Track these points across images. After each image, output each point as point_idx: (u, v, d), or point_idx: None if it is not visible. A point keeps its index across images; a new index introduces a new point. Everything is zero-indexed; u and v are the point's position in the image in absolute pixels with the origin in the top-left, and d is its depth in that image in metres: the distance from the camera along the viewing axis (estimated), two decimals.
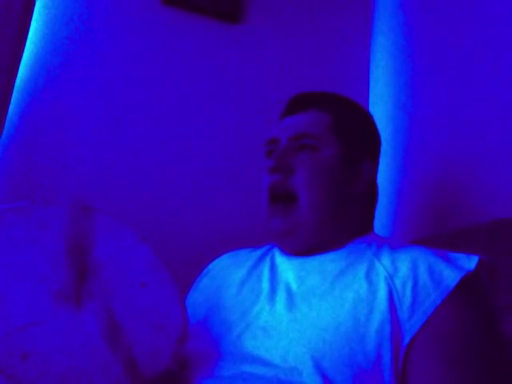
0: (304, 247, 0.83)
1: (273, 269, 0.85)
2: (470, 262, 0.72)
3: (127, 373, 0.56)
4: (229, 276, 0.90)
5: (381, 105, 1.51)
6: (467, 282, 0.70)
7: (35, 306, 0.55)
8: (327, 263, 0.80)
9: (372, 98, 1.57)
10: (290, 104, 0.92)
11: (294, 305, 0.75)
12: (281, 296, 0.77)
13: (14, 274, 0.56)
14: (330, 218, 0.83)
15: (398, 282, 0.71)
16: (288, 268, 0.83)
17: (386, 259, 0.76)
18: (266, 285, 0.82)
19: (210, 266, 0.99)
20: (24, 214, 0.59)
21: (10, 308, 0.53)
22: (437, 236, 1.01)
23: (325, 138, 0.84)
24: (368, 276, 0.74)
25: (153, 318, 0.62)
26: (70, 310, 0.57)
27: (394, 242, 0.84)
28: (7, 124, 1.18)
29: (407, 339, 0.67)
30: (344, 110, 0.89)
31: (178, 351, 0.61)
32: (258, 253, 0.93)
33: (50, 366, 0.51)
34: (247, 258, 0.93)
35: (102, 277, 0.62)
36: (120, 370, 0.56)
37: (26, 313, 0.54)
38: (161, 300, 0.64)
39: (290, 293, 0.77)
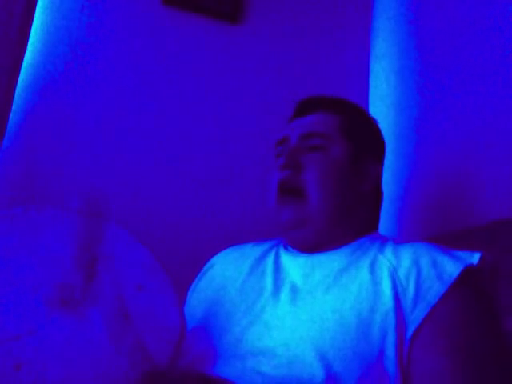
0: (312, 240, 0.84)
1: (277, 266, 0.86)
2: (473, 257, 0.72)
3: (131, 376, 0.55)
4: (232, 271, 0.90)
5: (381, 105, 1.51)
6: (469, 276, 0.70)
7: (30, 314, 0.54)
8: (332, 260, 0.81)
9: (372, 99, 1.57)
10: (299, 107, 0.94)
11: (298, 300, 0.75)
12: (285, 291, 0.78)
13: (7, 282, 0.55)
14: (338, 215, 0.84)
15: (401, 274, 0.71)
16: (293, 266, 0.83)
17: (389, 253, 0.77)
18: (269, 282, 0.82)
19: (213, 261, 0.99)
20: (19, 220, 0.59)
21: (3, 317, 0.52)
22: (438, 237, 1.01)
23: (333, 138, 0.86)
24: (371, 269, 0.75)
25: (150, 322, 0.61)
26: (69, 316, 0.56)
27: (398, 240, 0.85)
28: (9, 126, 1.18)
29: (410, 331, 0.67)
30: (351, 112, 0.92)
31: (175, 355, 0.61)
32: (262, 248, 0.93)
33: (45, 376, 0.50)
34: (250, 253, 0.93)
35: (106, 278, 0.62)
36: (122, 376, 0.55)
37: (20, 321, 0.53)
38: (158, 303, 0.64)
39: (294, 288, 0.78)
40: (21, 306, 0.55)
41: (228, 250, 0.99)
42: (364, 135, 0.91)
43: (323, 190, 0.83)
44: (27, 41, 1.20)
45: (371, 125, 0.95)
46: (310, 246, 0.84)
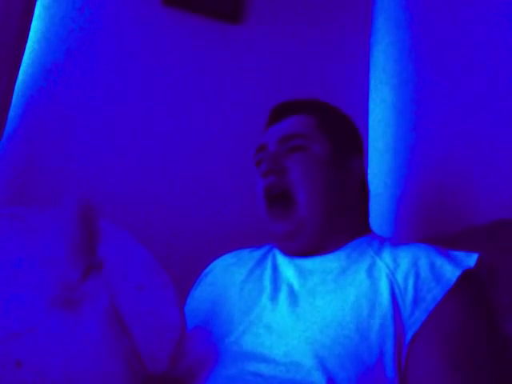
0: (306, 248, 0.84)
1: (274, 269, 0.86)
2: (470, 259, 0.72)
3: (127, 376, 0.56)
4: (230, 276, 0.90)
5: (381, 106, 1.51)
6: (468, 279, 0.70)
7: (30, 313, 0.54)
8: (329, 262, 0.81)
9: (372, 99, 1.57)
10: (273, 113, 0.94)
11: (297, 303, 0.75)
12: (283, 295, 0.78)
13: (8, 281, 0.55)
14: (329, 215, 0.84)
15: (399, 277, 0.71)
16: (290, 268, 0.83)
17: (387, 256, 0.76)
18: (267, 284, 0.82)
19: (211, 266, 1.00)
20: (19, 220, 0.59)
21: (4, 315, 0.53)
22: (437, 237, 1.01)
23: (313, 137, 0.86)
24: (370, 273, 0.74)
25: (150, 321, 0.62)
26: (66, 315, 0.57)
27: (395, 241, 0.85)
28: (8, 125, 1.18)
29: (409, 335, 0.67)
30: (324, 110, 0.92)
31: (175, 354, 0.61)
32: (259, 253, 0.94)
33: (45, 373, 0.51)
34: (248, 258, 0.93)
35: (103, 278, 0.63)
36: (120, 374, 0.55)
37: (21, 319, 0.54)
38: (158, 303, 0.64)
39: (292, 292, 0.78)
40: (21, 305, 0.55)
41: (225, 256, 1.00)
42: (341, 131, 0.91)
43: (310, 188, 0.83)
44: (27, 40, 1.20)
45: (346, 121, 0.95)
46: (305, 252, 0.84)
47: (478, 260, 0.72)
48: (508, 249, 0.81)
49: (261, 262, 0.90)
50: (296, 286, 0.79)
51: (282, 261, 0.86)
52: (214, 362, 0.71)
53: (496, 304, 0.75)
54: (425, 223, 1.24)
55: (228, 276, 0.91)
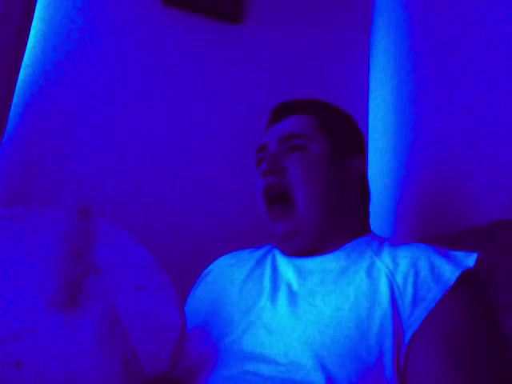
0: (306, 248, 0.84)
1: (274, 269, 0.86)
2: (469, 259, 0.72)
3: (124, 377, 0.56)
4: (230, 276, 0.90)
5: (381, 106, 1.51)
6: (467, 279, 0.70)
7: (30, 313, 0.54)
8: (328, 263, 0.81)
9: (372, 99, 1.57)
10: (273, 113, 0.95)
11: (296, 303, 0.75)
12: (282, 295, 0.78)
13: (7, 282, 0.56)
14: (328, 215, 0.84)
15: (398, 278, 0.71)
16: (289, 268, 0.83)
17: (386, 257, 0.76)
18: (267, 284, 0.82)
19: (211, 267, 1.00)
20: (19, 220, 0.59)
21: (4, 316, 0.53)
22: (436, 237, 1.01)
23: (312, 136, 0.86)
24: (369, 273, 0.74)
25: (150, 321, 0.62)
26: (66, 316, 0.57)
27: (394, 241, 0.85)
28: (9, 125, 1.18)
29: (408, 335, 0.67)
30: (325, 111, 0.92)
31: (175, 354, 0.61)
32: (259, 253, 0.94)
33: (45, 373, 0.51)
34: (248, 258, 0.93)
35: (102, 279, 0.63)
36: (117, 375, 0.56)
37: (21, 320, 0.54)
38: (158, 303, 0.64)
39: (291, 292, 0.78)
40: (21, 305, 0.55)
41: (225, 257, 1.00)
42: (341, 130, 0.91)
43: (309, 188, 0.83)
44: (27, 40, 1.20)
45: (347, 120, 0.95)
46: (305, 252, 0.84)
47: (478, 260, 0.72)
48: (507, 249, 0.81)
49: (260, 262, 0.90)
50: (295, 286, 0.79)
51: (282, 261, 0.86)
52: (214, 362, 0.72)
53: (495, 304, 0.75)
54: (424, 223, 1.24)
55: (228, 276, 0.91)
